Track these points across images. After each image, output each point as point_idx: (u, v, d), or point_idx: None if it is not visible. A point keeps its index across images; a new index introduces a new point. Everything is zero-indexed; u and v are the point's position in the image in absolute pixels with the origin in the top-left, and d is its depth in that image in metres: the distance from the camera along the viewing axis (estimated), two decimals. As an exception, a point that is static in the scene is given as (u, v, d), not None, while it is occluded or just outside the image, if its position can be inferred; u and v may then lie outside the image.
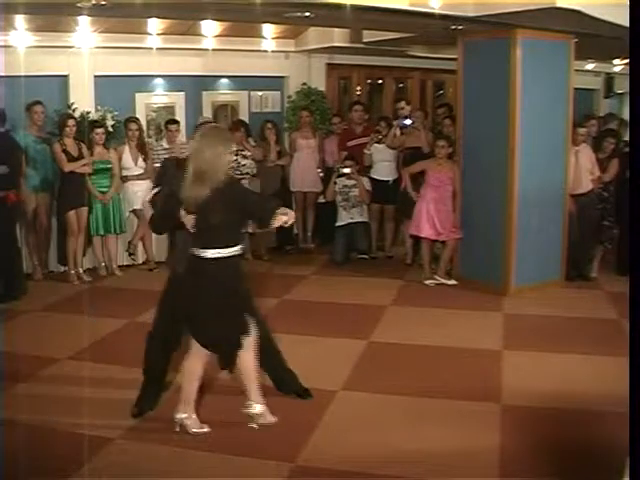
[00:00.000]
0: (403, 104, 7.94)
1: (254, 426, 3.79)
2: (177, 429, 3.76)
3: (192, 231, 3.58)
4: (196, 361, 3.75)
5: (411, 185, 7.17)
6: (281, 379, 4.22)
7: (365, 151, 7.84)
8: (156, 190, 3.86)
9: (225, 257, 3.56)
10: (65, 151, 6.76)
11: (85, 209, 6.96)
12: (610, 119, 8.78)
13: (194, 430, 3.76)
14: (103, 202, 7.11)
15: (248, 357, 3.77)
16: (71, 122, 6.83)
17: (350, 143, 8.06)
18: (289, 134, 8.71)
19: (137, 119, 7.49)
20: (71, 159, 6.78)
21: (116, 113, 7.57)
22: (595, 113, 10.67)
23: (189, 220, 3.57)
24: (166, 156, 7.38)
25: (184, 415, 3.76)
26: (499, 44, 6.26)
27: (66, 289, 6.70)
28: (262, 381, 3.99)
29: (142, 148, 7.39)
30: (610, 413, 3.84)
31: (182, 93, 8.42)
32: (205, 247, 3.54)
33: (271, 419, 3.85)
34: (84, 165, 6.85)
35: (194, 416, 3.79)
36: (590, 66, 11.48)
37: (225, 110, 8.80)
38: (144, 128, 7.80)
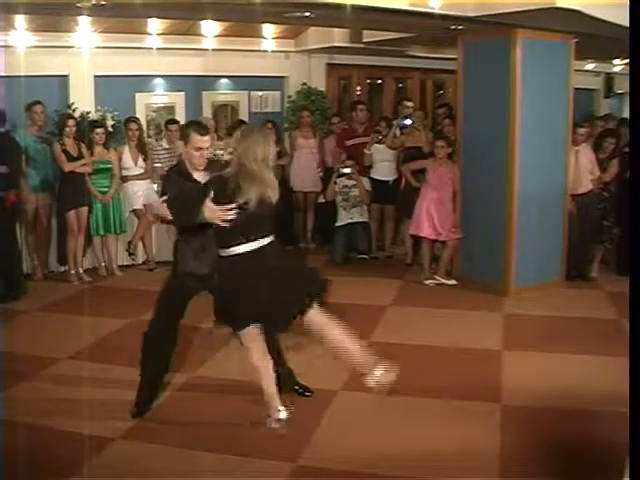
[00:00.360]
0: (410, 103, 7.90)
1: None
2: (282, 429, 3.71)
3: (224, 225, 3.55)
4: (264, 356, 3.75)
5: (413, 179, 7.19)
6: (281, 376, 4.19)
7: (365, 151, 7.84)
8: (164, 198, 3.87)
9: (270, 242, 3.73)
10: (65, 151, 6.75)
11: (85, 209, 6.95)
12: (609, 119, 8.78)
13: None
14: (103, 202, 7.11)
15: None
16: (71, 122, 6.82)
17: (349, 142, 8.06)
18: (289, 133, 8.71)
19: (137, 119, 7.48)
20: (71, 159, 6.77)
21: (116, 113, 7.58)
22: (595, 113, 10.69)
23: (220, 215, 3.53)
24: (169, 164, 7.45)
25: (283, 410, 3.73)
26: (499, 44, 6.26)
27: (66, 289, 6.69)
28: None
29: (142, 148, 7.39)
30: (610, 413, 3.84)
31: (182, 93, 8.43)
32: (253, 239, 3.63)
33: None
34: (84, 165, 6.85)
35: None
36: (590, 66, 11.48)
37: (225, 110, 8.81)
38: (144, 128, 7.81)
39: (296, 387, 4.28)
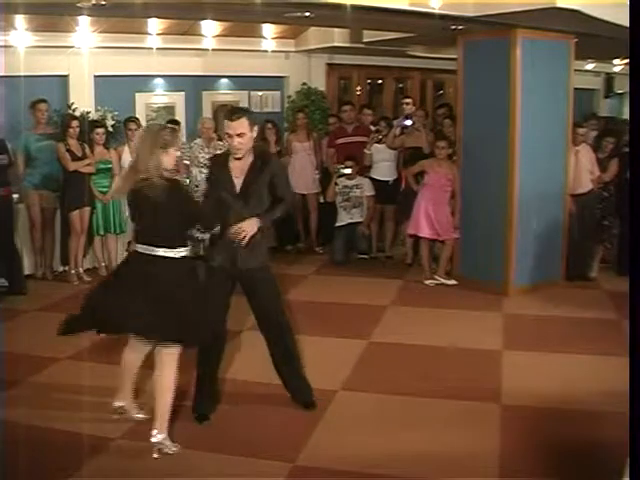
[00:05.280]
0: (409, 100, 7.90)
1: (155, 456, 3.48)
2: (117, 417, 3.87)
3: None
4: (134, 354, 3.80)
5: (414, 183, 7.18)
6: (296, 388, 4.10)
7: (365, 151, 7.83)
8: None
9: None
10: (69, 151, 6.72)
11: (88, 209, 6.94)
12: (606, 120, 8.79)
13: (136, 415, 3.87)
14: (103, 202, 7.11)
15: (169, 374, 3.53)
16: (75, 123, 6.79)
17: (338, 141, 8.07)
18: (286, 137, 8.70)
19: (137, 119, 7.47)
20: (75, 159, 6.75)
21: (116, 113, 7.58)
22: (595, 113, 10.69)
23: None
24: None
25: (123, 403, 3.89)
26: (499, 44, 6.26)
27: (66, 289, 6.68)
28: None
29: (142, 148, 7.37)
30: (610, 413, 3.84)
31: (182, 93, 8.44)
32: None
33: (173, 449, 3.53)
34: (87, 165, 6.84)
35: (133, 403, 3.91)
36: (590, 66, 11.50)
37: (225, 110, 8.79)
38: (144, 128, 7.80)
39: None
